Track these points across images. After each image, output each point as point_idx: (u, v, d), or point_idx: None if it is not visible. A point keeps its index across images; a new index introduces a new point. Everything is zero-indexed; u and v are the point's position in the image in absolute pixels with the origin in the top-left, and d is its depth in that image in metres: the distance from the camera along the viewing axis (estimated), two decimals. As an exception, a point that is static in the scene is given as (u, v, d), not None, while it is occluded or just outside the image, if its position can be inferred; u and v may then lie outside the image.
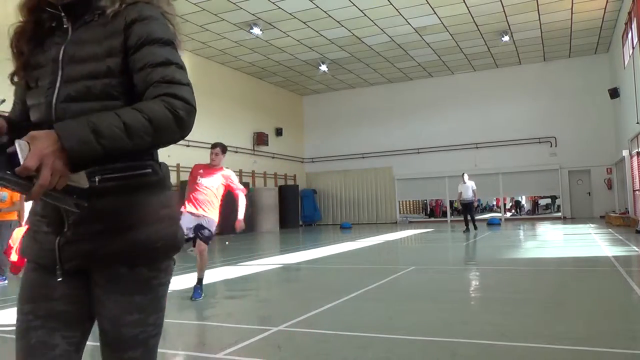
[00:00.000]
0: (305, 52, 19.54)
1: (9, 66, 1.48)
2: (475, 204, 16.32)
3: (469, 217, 15.39)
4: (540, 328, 4.00)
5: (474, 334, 3.82)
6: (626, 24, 15.34)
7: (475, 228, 15.37)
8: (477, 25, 17.36)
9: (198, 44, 18.08)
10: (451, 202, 24.81)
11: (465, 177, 15.35)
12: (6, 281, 7.32)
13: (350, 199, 25.36)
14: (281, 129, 24.02)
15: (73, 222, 1.33)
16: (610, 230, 14.26)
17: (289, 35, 17.63)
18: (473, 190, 15.13)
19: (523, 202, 32.56)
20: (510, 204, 31.67)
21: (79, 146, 1.10)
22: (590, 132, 21.10)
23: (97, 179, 1.29)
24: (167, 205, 1.43)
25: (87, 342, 1.42)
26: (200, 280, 5.89)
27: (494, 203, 26.12)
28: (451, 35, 18.20)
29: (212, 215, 5.94)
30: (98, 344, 1.38)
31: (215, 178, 5.98)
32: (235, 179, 6.13)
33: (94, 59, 1.34)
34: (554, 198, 27.36)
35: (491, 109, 22.83)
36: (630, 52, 15.13)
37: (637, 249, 9.31)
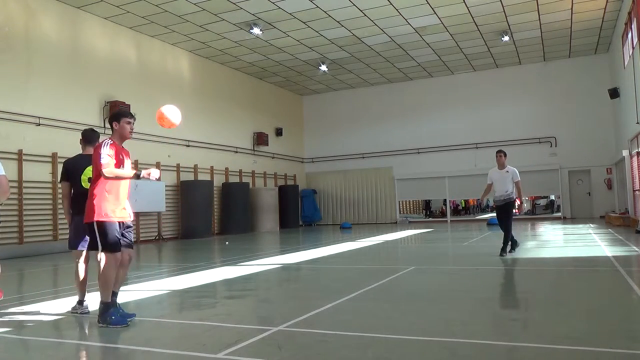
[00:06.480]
0: (305, 52, 19.54)
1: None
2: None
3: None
4: (540, 328, 4.00)
5: (474, 334, 3.82)
6: (626, 24, 15.34)
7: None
8: (477, 25, 17.36)
9: (198, 44, 18.09)
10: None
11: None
12: None
13: (350, 199, 25.36)
14: (281, 129, 24.02)
15: None
16: (610, 230, 14.26)
17: (289, 35, 17.63)
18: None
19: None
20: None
21: None
22: (590, 132, 21.11)
23: None
24: None
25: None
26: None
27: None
28: (451, 35, 18.20)
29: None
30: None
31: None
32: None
33: None
34: (547, 197, 27.27)
35: (491, 109, 22.84)
36: (630, 52, 15.13)
37: (637, 249, 9.31)
